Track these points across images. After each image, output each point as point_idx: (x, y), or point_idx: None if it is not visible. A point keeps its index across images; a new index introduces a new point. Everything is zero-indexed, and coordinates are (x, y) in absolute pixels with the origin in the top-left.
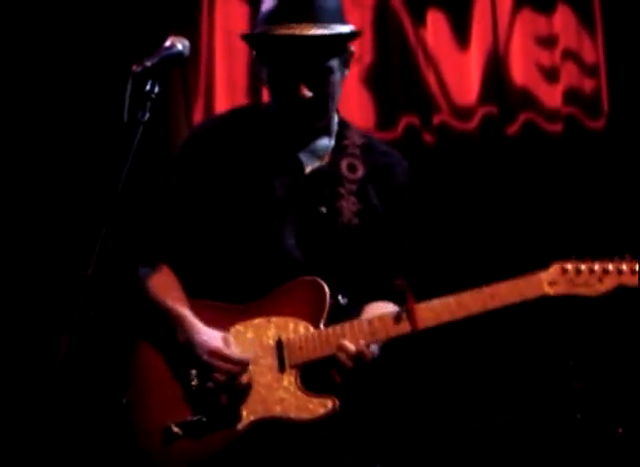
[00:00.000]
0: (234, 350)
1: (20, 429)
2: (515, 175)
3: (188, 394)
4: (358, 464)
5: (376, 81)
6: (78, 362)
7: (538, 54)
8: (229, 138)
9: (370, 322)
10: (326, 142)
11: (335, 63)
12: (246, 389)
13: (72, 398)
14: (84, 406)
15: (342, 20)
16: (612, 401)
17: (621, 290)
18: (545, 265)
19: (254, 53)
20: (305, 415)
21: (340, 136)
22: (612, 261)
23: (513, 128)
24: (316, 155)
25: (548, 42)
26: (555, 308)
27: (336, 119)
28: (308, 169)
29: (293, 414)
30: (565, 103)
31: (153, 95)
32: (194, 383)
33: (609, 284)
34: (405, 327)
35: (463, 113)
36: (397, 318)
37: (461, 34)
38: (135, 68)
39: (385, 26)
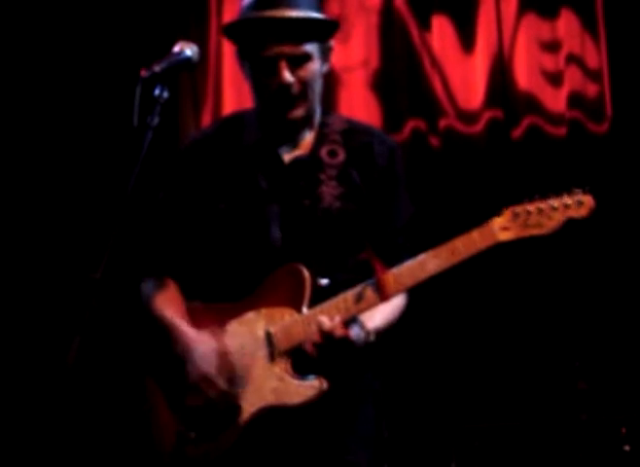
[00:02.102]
0: (223, 381)
1: (33, 429)
2: (520, 178)
3: (181, 407)
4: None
5: (382, 85)
6: (91, 363)
7: (542, 59)
8: (214, 148)
9: (344, 299)
10: (306, 134)
11: (313, 50)
12: (231, 411)
13: (86, 399)
14: (99, 407)
15: (319, 11)
16: (616, 402)
17: (570, 223)
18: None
19: (236, 51)
20: (297, 399)
21: (322, 126)
22: (558, 196)
23: (517, 132)
24: (296, 147)
25: (552, 47)
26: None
27: (318, 113)
28: (287, 160)
29: (286, 400)
30: (569, 107)
31: (162, 100)
32: (185, 400)
33: (557, 219)
34: (375, 299)
35: (468, 117)
36: (366, 290)
37: (466, 39)
38: (144, 73)
39: (391, 31)
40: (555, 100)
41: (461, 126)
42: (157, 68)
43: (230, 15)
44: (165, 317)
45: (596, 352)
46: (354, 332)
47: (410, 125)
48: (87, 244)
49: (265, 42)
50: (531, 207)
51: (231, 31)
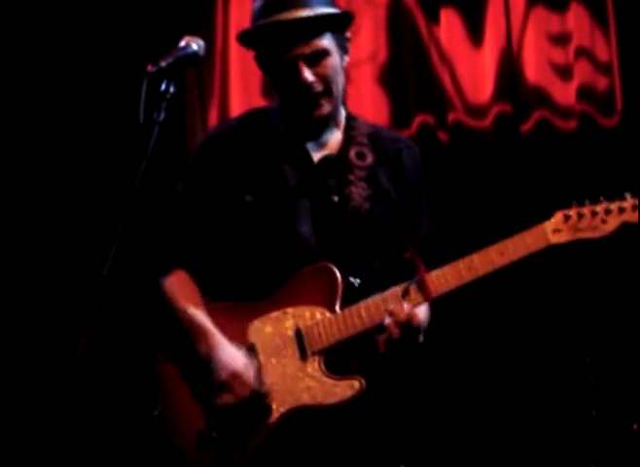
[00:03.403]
0: (253, 378)
1: (40, 427)
2: (530, 173)
3: (208, 406)
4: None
5: (391, 79)
6: (100, 361)
7: (551, 52)
8: (239, 141)
9: (383, 298)
10: (333, 134)
11: (330, 45)
12: (260, 411)
13: (96, 397)
14: (109, 406)
15: (331, 5)
16: (627, 397)
17: (625, 228)
18: None
19: (254, 57)
20: (334, 399)
21: (348, 128)
22: (612, 201)
23: (527, 126)
24: (324, 145)
25: (561, 40)
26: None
27: (343, 112)
28: (317, 158)
29: (321, 400)
30: (579, 101)
31: (168, 95)
32: (213, 400)
33: (613, 223)
34: (418, 298)
35: (477, 111)
36: (409, 290)
37: (475, 32)
38: (150, 68)
39: (399, 25)
40: (565, 94)
41: (470, 121)
42: (163, 63)
43: (236, 10)
44: (188, 314)
45: (606, 347)
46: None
47: (419, 119)
48: (93, 241)
49: (281, 45)
50: (584, 210)
51: (246, 39)
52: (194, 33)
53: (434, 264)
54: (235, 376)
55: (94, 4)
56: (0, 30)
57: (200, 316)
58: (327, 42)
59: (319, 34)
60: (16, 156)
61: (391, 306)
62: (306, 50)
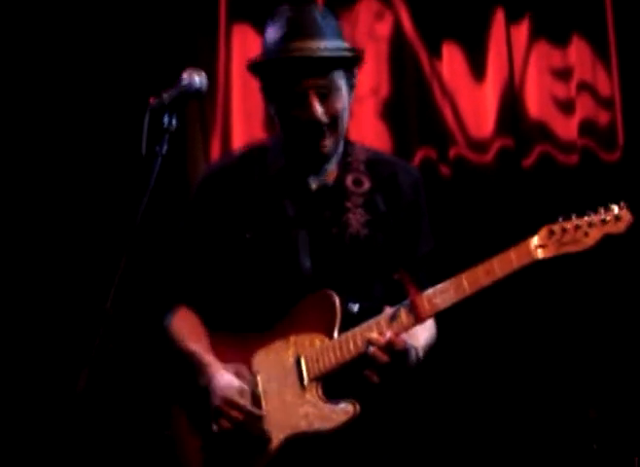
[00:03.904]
0: (247, 402)
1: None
2: (532, 207)
3: (205, 437)
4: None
5: (392, 114)
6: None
7: (553, 87)
8: (238, 177)
9: (377, 322)
10: (332, 163)
11: (341, 82)
12: (260, 438)
13: (101, 429)
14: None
15: (342, 37)
16: (628, 430)
17: (609, 239)
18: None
19: (261, 87)
20: (329, 424)
21: (345, 155)
22: (595, 213)
23: (529, 161)
24: (322, 175)
25: (563, 74)
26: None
27: (342, 141)
28: (314, 187)
29: (317, 426)
30: (581, 135)
31: (170, 129)
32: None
33: (595, 236)
34: (409, 320)
35: (479, 145)
36: (400, 313)
37: (477, 67)
38: (153, 101)
39: (401, 59)
40: (567, 128)
41: (472, 155)
42: (165, 96)
43: (239, 42)
44: (190, 350)
45: (607, 380)
46: (407, 345)
47: (421, 154)
48: (96, 275)
49: (293, 77)
50: (568, 224)
51: (256, 66)
52: (196, 65)
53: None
54: (228, 400)
55: (96, 36)
56: (5, 65)
57: (201, 351)
58: (339, 79)
59: (334, 70)
60: (20, 188)
61: (372, 335)
62: (320, 84)
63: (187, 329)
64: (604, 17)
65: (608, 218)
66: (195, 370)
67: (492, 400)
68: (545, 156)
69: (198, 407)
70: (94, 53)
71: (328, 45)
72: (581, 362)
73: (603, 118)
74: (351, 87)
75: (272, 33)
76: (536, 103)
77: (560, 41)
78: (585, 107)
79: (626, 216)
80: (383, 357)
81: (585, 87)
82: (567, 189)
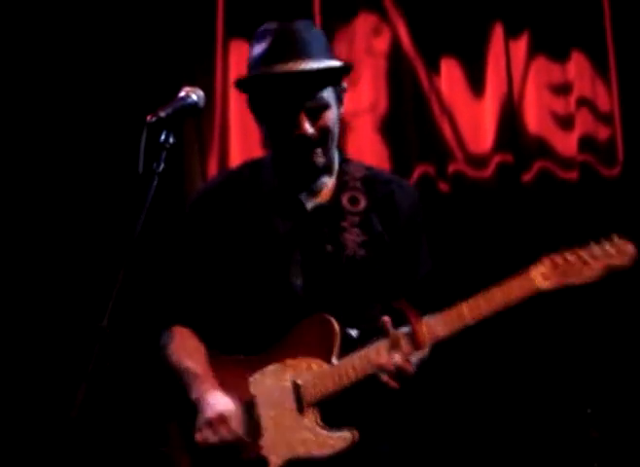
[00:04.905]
0: (238, 426)
1: None
2: (531, 223)
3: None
4: None
5: (391, 129)
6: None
7: (552, 102)
8: (231, 196)
9: (377, 349)
10: (326, 180)
11: (330, 97)
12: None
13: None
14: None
15: (331, 56)
16: (629, 450)
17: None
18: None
19: (250, 106)
20: (327, 451)
21: (341, 173)
22: (599, 244)
23: (528, 176)
24: (317, 193)
25: (562, 90)
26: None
27: (336, 157)
28: (309, 207)
29: (315, 452)
30: (580, 151)
31: (167, 146)
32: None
33: (598, 268)
34: (409, 348)
35: (478, 161)
36: (399, 341)
37: (475, 82)
38: (150, 119)
39: (399, 75)
40: (566, 144)
41: (470, 171)
42: (162, 113)
43: (236, 60)
44: (185, 365)
45: (608, 399)
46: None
47: (419, 170)
48: (93, 292)
49: (281, 95)
50: (570, 256)
51: (244, 84)
52: (193, 83)
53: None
54: (221, 417)
55: (95, 54)
56: (5, 82)
57: (196, 366)
58: (327, 95)
59: (322, 88)
60: (17, 202)
61: (381, 361)
62: (308, 103)
63: (183, 347)
64: (603, 33)
65: (612, 250)
66: (187, 383)
67: (493, 417)
68: (544, 171)
69: (190, 423)
70: (92, 71)
71: (314, 65)
72: (583, 381)
73: (603, 133)
74: (340, 100)
75: (258, 51)
76: (535, 119)
77: (559, 56)
78: (584, 123)
79: (631, 249)
80: (392, 382)
81: (584, 102)
82: (567, 205)
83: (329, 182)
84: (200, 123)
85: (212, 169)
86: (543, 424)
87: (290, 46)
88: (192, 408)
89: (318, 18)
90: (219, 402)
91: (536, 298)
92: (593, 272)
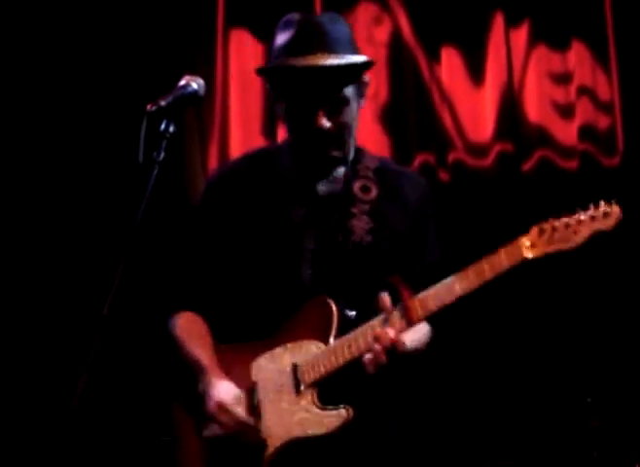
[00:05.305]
0: (242, 410)
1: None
2: (532, 212)
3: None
4: None
5: (391, 118)
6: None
7: (553, 91)
8: (247, 181)
9: (371, 326)
10: (342, 170)
11: (350, 93)
12: (256, 446)
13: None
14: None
15: (355, 51)
16: (629, 439)
17: (599, 237)
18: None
19: (269, 87)
20: (322, 430)
21: (355, 162)
22: (585, 210)
23: (528, 165)
24: (331, 181)
25: (562, 79)
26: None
27: (352, 148)
28: (322, 193)
29: (311, 431)
30: (580, 140)
31: (167, 135)
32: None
33: (584, 233)
34: (402, 323)
35: (478, 150)
36: (393, 316)
37: (476, 71)
38: (150, 107)
39: (400, 64)
40: (566, 133)
41: (471, 160)
42: (162, 102)
43: (236, 49)
44: (192, 354)
45: (609, 388)
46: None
47: (419, 158)
48: (93, 281)
49: (301, 89)
50: (557, 222)
51: (264, 72)
52: (193, 72)
53: None
54: (221, 407)
55: (94, 44)
56: (3, 75)
57: (202, 356)
58: (349, 91)
59: (342, 84)
60: (17, 193)
61: (377, 330)
62: (328, 99)
63: (190, 333)
64: (604, 22)
65: (596, 214)
66: (195, 375)
67: (491, 405)
68: (544, 160)
69: (198, 411)
70: (93, 61)
71: (335, 61)
72: (583, 371)
73: (603, 122)
74: (361, 95)
75: (282, 40)
76: (535, 108)
77: (560, 45)
78: (584, 112)
79: (615, 212)
80: (382, 355)
81: (584, 91)
82: (567, 193)
83: (343, 169)
84: (201, 112)
85: (212, 158)
86: (543, 413)
87: (313, 39)
88: (197, 396)
89: (319, 7)
90: (220, 391)
91: (539, 286)
92: (579, 237)
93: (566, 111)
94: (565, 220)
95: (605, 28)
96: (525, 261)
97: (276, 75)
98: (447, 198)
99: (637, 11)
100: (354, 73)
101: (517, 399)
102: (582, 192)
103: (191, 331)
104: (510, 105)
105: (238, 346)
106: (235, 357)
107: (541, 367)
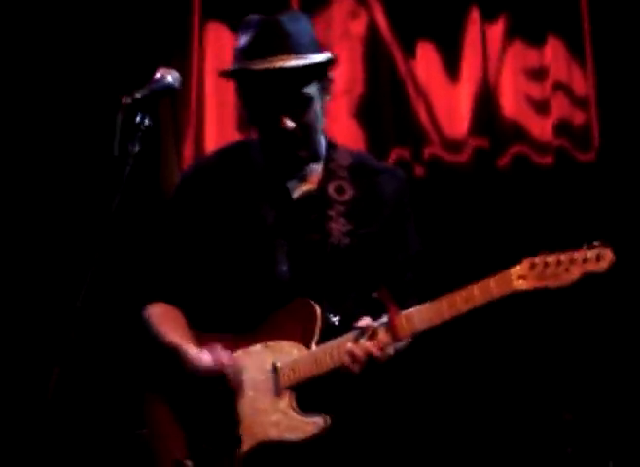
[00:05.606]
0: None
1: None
2: (507, 208)
3: (189, 427)
4: None
5: (367, 113)
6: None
7: (528, 87)
8: (220, 175)
9: (355, 338)
10: (313, 167)
11: (314, 91)
12: (231, 441)
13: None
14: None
15: (317, 49)
16: (603, 434)
17: (589, 278)
18: None
19: (236, 87)
20: (298, 435)
21: (328, 160)
22: (578, 250)
23: (503, 161)
24: (304, 180)
25: (538, 74)
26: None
27: (323, 143)
28: (296, 195)
29: (287, 435)
30: (556, 136)
31: (143, 127)
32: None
33: (575, 273)
34: (387, 338)
35: (454, 145)
36: (377, 331)
37: (451, 66)
38: (125, 100)
39: (375, 59)
40: (542, 129)
41: (446, 155)
42: (138, 95)
43: (212, 43)
44: (171, 340)
45: (581, 382)
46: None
47: (395, 153)
48: (67, 273)
49: (262, 91)
50: (550, 258)
51: (228, 74)
52: (169, 65)
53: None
54: (217, 360)
55: (69, 36)
56: None
57: (179, 340)
58: (311, 90)
59: (304, 84)
60: None
61: (351, 349)
62: (290, 100)
63: (165, 318)
64: (579, 18)
65: (589, 256)
66: (178, 359)
67: (467, 402)
68: (520, 156)
69: (184, 395)
70: (68, 54)
71: (294, 62)
72: (556, 364)
73: (578, 118)
74: (326, 91)
75: (242, 43)
76: (511, 103)
77: (536, 41)
78: (560, 107)
79: (608, 255)
80: (356, 367)
81: (560, 87)
82: (542, 189)
83: (317, 168)
84: (176, 105)
85: (187, 153)
86: (517, 407)
87: (274, 40)
88: (184, 377)
89: (296, 2)
90: (205, 355)
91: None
92: (570, 277)
93: (542, 106)
94: (557, 256)
95: (581, 24)
96: (515, 292)
97: (238, 78)
98: (423, 194)
99: (613, 6)
100: (317, 72)
101: (492, 393)
102: (557, 187)
103: (165, 317)
104: (485, 100)
105: (216, 336)
106: (213, 343)
107: (515, 361)
